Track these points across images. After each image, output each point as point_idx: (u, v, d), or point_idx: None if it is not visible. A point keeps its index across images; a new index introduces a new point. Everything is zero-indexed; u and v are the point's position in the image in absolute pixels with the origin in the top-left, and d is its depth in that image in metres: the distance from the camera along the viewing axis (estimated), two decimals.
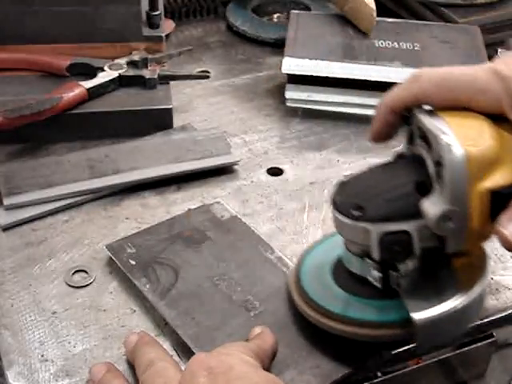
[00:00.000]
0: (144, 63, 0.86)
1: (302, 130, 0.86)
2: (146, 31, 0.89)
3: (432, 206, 0.51)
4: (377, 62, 0.87)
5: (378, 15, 0.93)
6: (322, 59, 0.87)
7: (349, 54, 0.88)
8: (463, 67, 0.53)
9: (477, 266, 0.57)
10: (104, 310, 0.62)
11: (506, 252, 0.68)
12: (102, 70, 0.84)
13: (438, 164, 0.51)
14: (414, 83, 0.54)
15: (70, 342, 0.59)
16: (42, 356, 0.58)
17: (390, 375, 0.58)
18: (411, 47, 0.90)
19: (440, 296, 0.54)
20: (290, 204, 0.75)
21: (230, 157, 0.79)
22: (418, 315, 0.52)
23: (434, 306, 0.53)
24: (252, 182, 0.78)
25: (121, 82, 0.84)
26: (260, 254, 0.66)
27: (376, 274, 0.55)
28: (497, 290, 0.65)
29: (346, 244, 0.57)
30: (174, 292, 0.62)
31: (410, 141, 0.57)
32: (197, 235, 0.68)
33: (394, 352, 0.57)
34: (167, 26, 0.98)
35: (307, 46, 0.89)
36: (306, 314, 0.58)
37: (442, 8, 1.00)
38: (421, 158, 0.53)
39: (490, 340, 0.61)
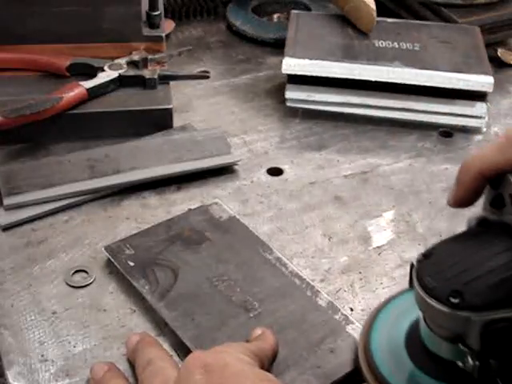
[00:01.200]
0: (144, 63, 0.86)
1: (302, 130, 0.86)
2: (146, 31, 0.89)
3: None
4: (377, 62, 0.87)
5: (378, 15, 0.93)
6: (322, 59, 0.86)
7: (349, 54, 0.88)
8: None
9: None
10: (104, 310, 0.62)
11: None
12: (102, 69, 0.84)
13: None
14: (510, 148, 0.49)
15: (70, 342, 0.59)
16: (42, 356, 0.58)
17: None
18: (411, 47, 0.90)
19: None
20: (290, 204, 0.75)
21: (230, 157, 0.79)
22: None
23: None
24: (252, 182, 0.78)
25: (121, 82, 0.84)
26: (259, 254, 0.66)
27: (472, 362, 0.48)
28: None
29: (432, 327, 0.50)
30: (173, 293, 0.62)
31: (495, 205, 0.51)
32: (196, 236, 0.68)
33: None
34: (167, 26, 0.98)
35: (307, 46, 0.89)
36: None
37: (442, 8, 1.00)
38: None
39: None
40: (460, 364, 0.50)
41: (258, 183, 0.78)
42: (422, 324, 0.51)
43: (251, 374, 0.49)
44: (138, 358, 0.55)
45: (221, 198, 0.74)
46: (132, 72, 0.85)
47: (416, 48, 0.90)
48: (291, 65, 0.86)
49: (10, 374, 0.56)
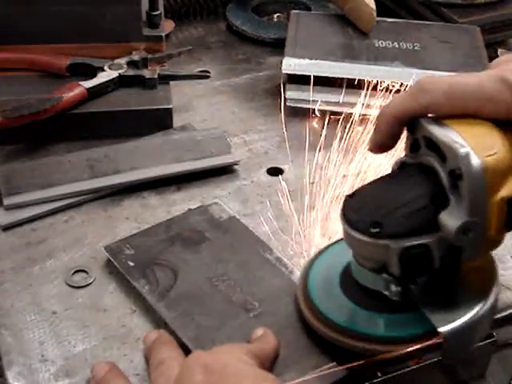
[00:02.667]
0: (144, 63, 0.86)
1: (302, 130, 0.86)
2: (146, 31, 0.89)
3: (450, 219, 0.50)
4: (377, 62, 0.87)
5: (378, 15, 0.93)
6: (322, 59, 0.86)
7: (349, 54, 0.88)
8: (469, 75, 0.53)
9: (487, 270, 0.57)
10: (104, 310, 0.62)
11: (506, 252, 0.68)
12: (102, 69, 0.85)
13: (454, 175, 0.50)
14: (421, 93, 0.52)
15: (70, 342, 0.59)
16: (42, 356, 0.58)
17: (389, 375, 0.58)
18: (411, 47, 0.90)
19: (460, 305, 0.53)
20: (290, 204, 0.75)
21: (230, 157, 0.79)
22: (444, 328, 0.52)
23: (457, 316, 0.53)
24: (252, 182, 0.78)
25: (121, 82, 0.84)
26: (259, 254, 0.66)
27: (395, 288, 0.54)
28: None
29: (359, 259, 0.56)
30: (173, 293, 0.62)
31: (413, 149, 0.55)
32: (196, 236, 0.68)
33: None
34: (167, 25, 0.98)
35: (307, 46, 0.89)
36: (317, 329, 0.57)
37: (442, 8, 1.00)
38: (431, 169, 0.53)
39: (489, 340, 0.61)
40: (385, 292, 0.55)
41: (257, 183, 0.78)
42: (352, 260, 0.56)
43: (251, 373, 0.49)
44: (151, 357, 0.55)
45: (221, 198, 0.74)
46: (132, 72, 0.85)
47: (416, 48, 0.90)
48: (291, 65, 0.86)
49: (9, 374, 0.56)
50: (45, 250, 0.68)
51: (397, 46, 0.91)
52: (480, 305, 0.54)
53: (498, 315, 0.62)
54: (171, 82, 0.86)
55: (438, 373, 0.63)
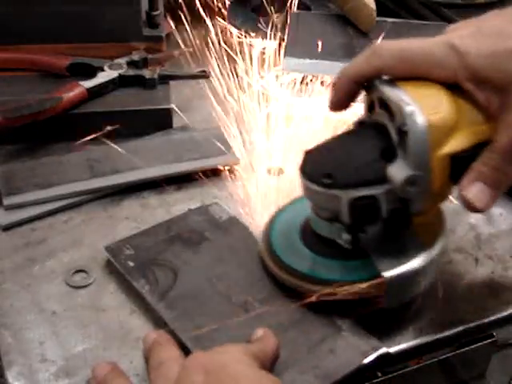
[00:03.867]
0: (144, 63, 0.86)
1: (302, 130, 0.86)
2: (146, 31, 0.89)
3: (397, 172, 0.54)
4: None
5: (378, 15, 0.93)
6: (322, 59, 0.86)
7: (349, 54, 0.88)
8: (420, 40, 0.56)
9: (436, 224, 0.61)
10: (104, 310, 0.62)
11: (506, 252, 0.68)
12: (102, 69, 0.85)
13: (401, 132, 0.54)
14: (375, 56, 0.56)
15: (70, 342, 0.59)
16: (42, 356, 0.58)
17: (389, 375, 0.59)
18: None
19: (405, 254, 0.58)
20: None
21: (229, 157, 0.79)
22: (388, 273, 0.57)
23: (401, 263, 0.57)
24: (252, 182, 0.78)
25: (121, 82, 0.84)
26: (258, 254, 0.66)
27: (346, 236, 0.59)
28: (497, 289, 0.65)
29: (315, 209, 0.60)
30: (172, 293, 0.62)
31: (370, 109, 0.59)
32: (195, 236, 0.68)
33: (394, 352, 0.57)
34: (167, 26, 0.98)
35: (307, 46, 0.89)
36: (277, 275, 0.62)
37: (442, 8, 1.00)
38: (383, 126, 0.56)
39: (490, 340, 0.61)
40: (338, 240, 0.60)
41: (257, 183, 0.78)
42: (310, 211, 0.61)
43: (251, 374, 0.49)
44: (151, 358, 0.55)
45: (221, 198, 0.74)
46: (132, 72, 0.85)
47: None
48: (291, 64, 0.86)
49: (9, 374, 0.56)
50: (45, 250, 0.68)
51: None
52: (425, 254, 0.58)
53: (498, 315, 0.62)
54: (171, 82, 0.86)
55: (437, 373, 0.63)
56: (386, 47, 0.56)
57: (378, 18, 0.92)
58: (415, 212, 0.57)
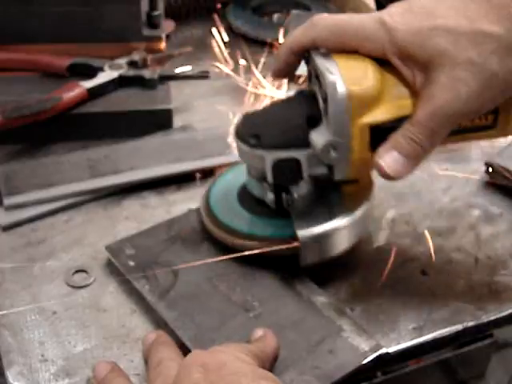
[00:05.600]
0: (144, 63, 0.86)
1: None
2: (146, 31, 0.89)
3: (318, 137, 0.57)
4: None
5: None
6: None
7: None
8: (354, 15, 0.59)
9: (363, 193, 0.64)
10: (104, 310, 0.62)
11: (506, 252, 0.68)
12: (102, 69, 0.84)
13: (325, 100, 0.56)
14: (312, 28, 0.59)
15: (70, 342, 0.59)
16: (42, 356, 0.58)
17: (389, 375, 0.59)
18: None
19: (326, 217, 0.61)
20: None
21: (230, 157, 0.79)
22: (302, 232, 0.60)
23: (319, 224, 0.61)
24: None
25: (121, 82, 0.84)
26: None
27: (271, 195, 0.63)
28: (497, 289, 0.65)
29: (248, 169, 0.64)
30: (173, 293, 0.62)
31: (309, 79, 0.62)
32: (196, 236, 0.68)
33: (394, 352, 0.57)
34: (167, 26, 0.98)
35: None
36: (215, 234, 0.66)
37: None
38: (314, 95, 0.60)
39: (489, 340, 0.61)
40: (265, 199, 0.64)
41: None
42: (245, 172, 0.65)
43: (249, 372, 0.49)
44: (150, 358, 0.55)
45: None
46: (132, 72, 0.85)
47: None
48: None
49: (10, 374, 0.56)
50: (45, 250, 0.68)
51: None
52: (345, 219, 0.61)
53: (498, 315, 0.62)
54: (171, 82, 0.86)
55: (437, 373, 0.63)
56: (323, 20, 0.59)
57: None
58: (339, 179, 0.59)
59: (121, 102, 0.83)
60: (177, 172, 0.76)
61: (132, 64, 0.86)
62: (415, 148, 0.56)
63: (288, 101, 0.62)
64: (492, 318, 0.62)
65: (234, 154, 0.79)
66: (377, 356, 0.57)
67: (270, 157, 0.59)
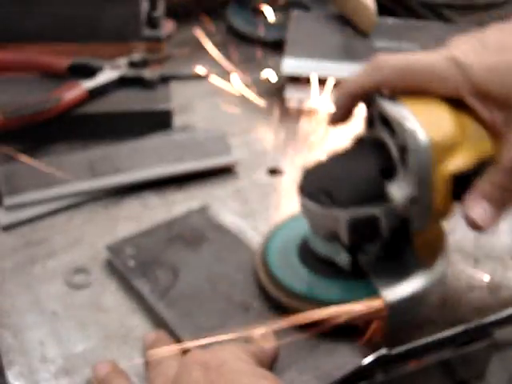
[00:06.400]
0: (144, 63, 0.86)
1: (302, 130, 0.86)
2: (146, 31, 0.89)
3: (398, 190, 0.53)
4: None
5: (378, 15, 0.93)
6: (322, 59, 0.86)
7: (349, 54, 0.88)
8: (421, 54, 0.55)
9: (436, 244, 0.59)
10: (104, 310, 0.62)
11: (506, 252, 0.68)
12: (102, 69, 0.85)
13: (402, 149, 0.52)
14: (376, 71, 0.55)
15: (70, 342, 0.59)
16: (42, 356, 0.58)
17: (389, 375, 0.58)
18: (411, 47, 0.90)
19: (406, 275, 0.56)
20: (290, 204, 0.75)
21: (229, 157, 0.79)
22: (388, 295, 0.55)
23: (402, 285, 0.55)
24: (252, 182, 0.78)
25: (121, 82, 0.84)
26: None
27: (344, 256, 0.57)
28: (496, 289, 0.65)
29: (313, 228, 0.58)
30: (173, 293, 0.62)
31: (370, 124, 0.58)
32: (196, 236, 0.68)
33: (393, 352, 0.57)
34: (167, 26, 0.98)
35: (307, 46, 0.89)
36: (273, 294, 0.60)
37: (442, 8, 1.00)
38: (383, 143, 0.55)
39: (489, 340, 0.61)
40: (336, 260, 0.58)
41: (257, 183, 0.78)
42: (308, 229, 0.59)
43: (249, 371, 0.49)
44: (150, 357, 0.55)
45: (221, 198, 0.74)
46: (132, 72, 0.85)
47: (416, 48, 0.90)
48: (291, 65, 0.86)
49: (10, 374, 0.56)
50: (45, 250, 0.68)
51: (397, 46, 0.90)
52: (425, 277, 0.56)
53: (498, 315, 0.62)
54: (171, 82, 0.86)
55: (437, 373, 0.63)
56: (388, 61, 0.55)
57: (377, 18, 0.92)
58: (416, 230, 0.55)
59: (121, 102, 0.83)
60: (177, 172, 0.76)
61: (132, 64, 0.86)
62: (504, 195, 0.52)
63: (353, 151, 0.57)
64: (492, 318, 0.62)
65: (233, 154, 0.79)
66: (377, 356, 0.57)
67: (345, 215, 0.54)
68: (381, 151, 0.54)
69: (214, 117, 0.88)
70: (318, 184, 0.55)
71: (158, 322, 0.60)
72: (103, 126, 0.82)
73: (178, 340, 0.58)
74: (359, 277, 0.58)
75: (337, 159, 0.57)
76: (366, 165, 0.55)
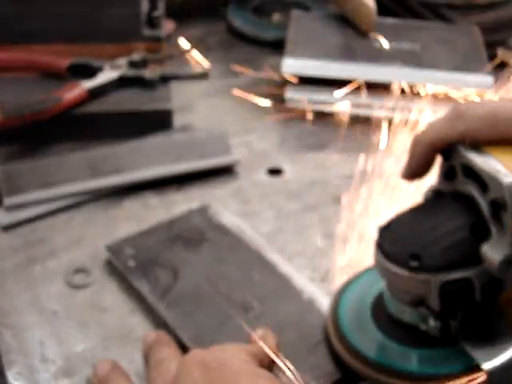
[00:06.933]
0: (144, 63, 0.86)
1: (302, 130, 0.86)
2: (146, 31, 0.89)
3: (493, 252, 0.48)
4: (377, 62, 0.87)
5: (378, 15, 0.93)
6: (322, 59, 0.87)
7: (349, 54, 0.88)
8: (507, 100, 0.52)
9: None
10: (104, 310, 0.62)
11: None
12: (102, 69, 0.84)
13: (495, 205, 0.48)
14: (459, 119, 0.51)
15: (70, 342, 0.59)
16: (42, 356, 0.58)
17: None
18: (411, 47, 0.90)
19: (499, 339, 0.52)
20: (290, 204, 0.75)
21: (229, 157, 0.79)
22: (488, 364, 0.50)
23: (500, 351, 0.51)
24: (252, 182, 0.78)
25: (121, 82, 0.84)
26: (258, 254, 0.66)
27: (433, 323, 0.52)
28: None
29: (394, 292, 0.53)
30: (173, 293, 0.62)
31: (448, 176, 0.53)
32: (196, 236, 0.68)
33: None
34: (167, 26, 0.98)
35: (307, 46, 0.89)
36: (349, 363, 0.54)
37: (442, 8, 1.00)
38: (468, 197, 0.51)
39: None
40: (422, 326, 0.52)
41: (257, 183, 0.78)
42: (386, 292, 0.54)
43: (249, 371, 0.49)
44: (150, 357, 0.55)
45: (221, 198, 0.74)
46: (132, 72, 0.85)
47: (416, 48, 0.90)
48: (291, 65, 0.86)
49: (10, 374, 0.56)
50: (45, 250, 0.68)
51: (397, 46, 0.91)
52: None
53: None
54: (171, 82, 0.86)
55: None
56: (471, 109, 0.51)
57: (377, 18, 0.92)
58: (507, 290, 0.51)
59: (121, 101, 0.83)
60: (177, 172, 0.76)
61: (132, 64, 0.86)
62: None
63: (436, 206, 0.52)
64: None
65: (233, 154, 0.79)
66: None
67: (436, 280, 0.49)
68: (468, 206, 0.50)
69: (213, 117, 0.88)
70: (403, 245, 0.50)
71: (158, 322, 0.60)
72: (103, 126, 0.81)
73: (177, 340, 0.58)
74: (444, 343, 0.53)
75: (418, 215, 0.52)
76: (454, 222, 0.50)
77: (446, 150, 0.52)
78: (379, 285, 0.56)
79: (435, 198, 0.53)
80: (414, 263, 0.49)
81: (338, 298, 0.59)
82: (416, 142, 0.53)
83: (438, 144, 0.52)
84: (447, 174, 0.53)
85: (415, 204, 0.53)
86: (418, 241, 0.50)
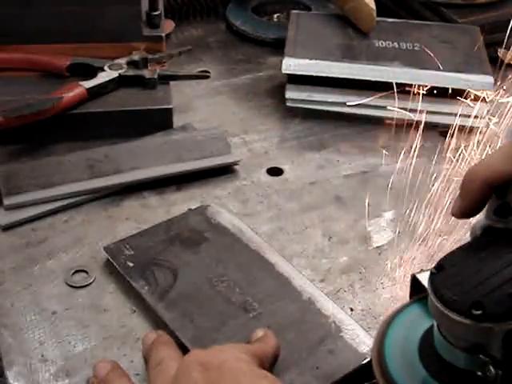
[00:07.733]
0: (144, 63, 0.86)
1: (302, 130, 0.86)
2: (146, 31, 0.89)
3: None
4: (377, 62, 0.87)
5: (378, 15, 0.93)
6: (322, 59, 0.86)
7: (349, 54, 0.88)
8: None
9: None
10: (104, 310, 0.62)
11: None
12: (102, 69, 0.85)
13: None
14: None
15: (70, 342, 0.59)
16: (42, 356, 0.58)
17: None
18: (411, 47, 0.90)
19: None
20: (290, 204, 0.75)
21: (229, 157, 0.79)
22: None
23: None
24: (252, 182, 0.78)
25: (121, 82, 0.84)
26: (259, 255, 0.66)
27: (494, 371, 0.48)
28: None
29: (449, 338, 0.50)
30: (172, 294, 0.62)
31: (499, 213, 0.51)
32: (195, 236, 0.68)
33: None
34: (167, 26, 0.98)
35: (307, 46, 0.89)
36: None
37: (442, 8, 1.00)
38: None
39: None
40: (479, 373, 0.49)
41: (258, 183, 0.78)
42: (437, 335, 0.51)
43: (249, 371, 0.49)
44: (150, 358, 0.55)
45: (221, 198, 0.74)
46: (132, 72, 0.85)
47: (416, 48, 0.90)
48: (291, 65, 0.86)
49: (10, 374, 0.56)
50: (45, 250, 0.68)
51: (397, 46, 0.90)
52: None
53: None
54: (171, 82, 0.86)
55: None
56: None
57: (377, 18, 0.92)
58: None
59: (121, 102, 0.83)
60: (177, 172, 0.76)
61: (132, 64, 0.86)
62: None
63: (492, 246, 0.49)
64: None
65: (233, 154, 0.79)
66: None
67: (500, 329, 0.46)
68: None
69: (214, 117, 0.88)
70: (463, 292, 0.47)
71: (158, 322, 0.60)
72: (103, 126, 0.82)
73: (177, 340, 0.58)
74: None
75: (473, 256, 0.49)
76: (509, 263, 0.47)
77: (501, 187, 0.49)
78: (427, 321, 0.53)
79: (487, 236, 0.51)
80: (477, 312, 0.46)
81: (383, 335, 0.54)
82: (470, 179, 0.49)
83: (495, 182, 0.48)
84: (499, 211, 0.50)
85: (466, 243, 0.51)
86: (480, 287, 0.47)
